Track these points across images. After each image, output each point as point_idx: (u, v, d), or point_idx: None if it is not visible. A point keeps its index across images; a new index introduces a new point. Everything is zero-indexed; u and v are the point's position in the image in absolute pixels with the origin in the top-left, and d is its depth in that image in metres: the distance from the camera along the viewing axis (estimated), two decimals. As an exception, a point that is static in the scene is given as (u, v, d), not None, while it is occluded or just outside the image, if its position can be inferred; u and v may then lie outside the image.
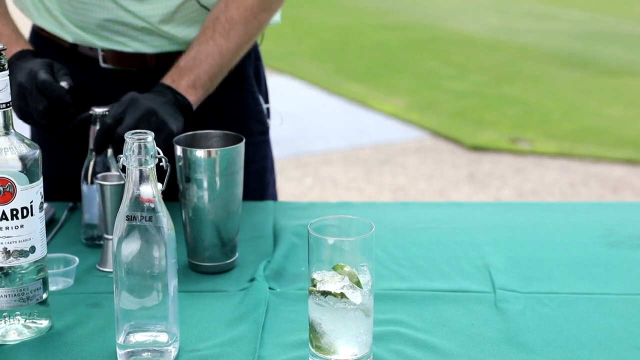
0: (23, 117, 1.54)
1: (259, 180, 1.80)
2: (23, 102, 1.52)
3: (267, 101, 1.84)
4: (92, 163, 1.50)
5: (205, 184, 1.39)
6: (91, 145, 1.51)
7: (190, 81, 1.56)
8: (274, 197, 1.86)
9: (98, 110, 1.50)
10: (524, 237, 1.58)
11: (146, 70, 1.66)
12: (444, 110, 6.00)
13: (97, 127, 1.49)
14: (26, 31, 1.80)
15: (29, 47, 1.64)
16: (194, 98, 1.56)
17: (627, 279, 1.41)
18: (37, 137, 1.75)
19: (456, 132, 5.53)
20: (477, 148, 5.26)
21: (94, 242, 1.51)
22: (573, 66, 7.22)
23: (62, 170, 1.66)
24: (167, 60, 1.65)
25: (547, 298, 1.34)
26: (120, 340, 1.14)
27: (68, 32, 1.66)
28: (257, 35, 1.65)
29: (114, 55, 1.66)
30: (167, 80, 1.56)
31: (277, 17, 1.78)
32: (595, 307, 1.31)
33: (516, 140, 5.40)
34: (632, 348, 1.20)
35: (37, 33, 1.75)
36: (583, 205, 1.87)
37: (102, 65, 1.67)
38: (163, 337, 1.14)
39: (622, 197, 4.55)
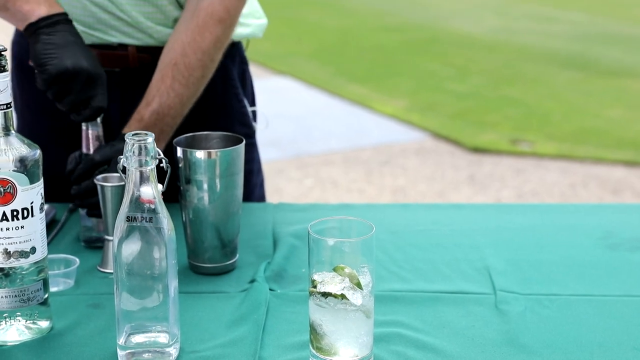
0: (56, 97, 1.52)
1: (245, 183, 1.80)
2: (61, 85, 1.50)
3: (253, 104, 1.83)
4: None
5: (205, 185, 1.39)
6: (83, 148, 1.52)
7: (155, 136, 1.55)
8: (261, 199, 1.86)
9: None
10: (524, 238, 1.58)
11: (129, 71, 1.67)
12: (445, 111, 6.00)
13: (89, 130, 1.52)
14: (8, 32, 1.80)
15: (60, 8, 1.56)
16: (159, 147, 1.55)
17: (627, 281, 1.41)
18: (38, 137, 1.75)
19: (456, 133, 5.53)
20: (477, 149, 5.26)
21: (93, 244, 1.51)
22: (573, 67, 7.22)
23: (62, 170, 1.66)
24: (149, 60, 1.65)
25: (547, 300, 1.34)
26: (121, 341, 1.14)
27: None
28: (212, 73, 1.63)
29: (97, 54, 1.65)
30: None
31: (258, 32, 1.78)
32: (595, 309, 1.32)
33: (516, 141, 5.40)
34: (632, 349, 1.20)
35: (22, 34, 1.73)
36: (583, 207, 1.87)
37: None
38: (164, 338, 1.14)
39: (622, 199, 4.55)
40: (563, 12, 9.67)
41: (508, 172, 4.92)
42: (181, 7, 1.65)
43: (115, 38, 1.65)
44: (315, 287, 1.13)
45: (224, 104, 1.76)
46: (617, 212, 1.76)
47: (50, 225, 1.57)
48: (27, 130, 1.74)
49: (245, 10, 1.70)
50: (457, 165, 5.01)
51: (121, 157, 1.14)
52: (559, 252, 1.52)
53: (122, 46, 1.66)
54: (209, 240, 1.41)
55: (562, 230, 1.62)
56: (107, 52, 1.66)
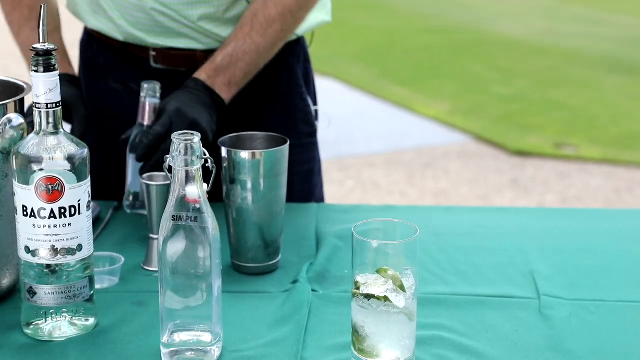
0: None
1: (306, 182, 1.81)
2: None
3: (315, 103, 1.84)
4: (139, 135, 1.53)
5: (249, 186, 1.39)
6: (139, 119, 1.55)
7: (226, 79, 1.57)
8: (321, 199, 1.86)
9: (148, 85, 1.54)
10: (569, 243, 1.56)
11: (195, 70, 1.68)
12: (488, 114, 5.96)
13: (146, 101, 1.54)
14: (77, 31, 1.83)
15: (68, 70, 1.66)
16: (227, 96, 1.58)
17: (675, 288, 1.39)
18: (90, 135, 1.77)
19: (500, 136, 5.49)
20: (520, 153, 5.22)
21: (136, 209, 1.53)
22: (620, 71, 7.13)
23: (109, 170, 1.68)
24: None
25: (593, 305, 1.33)
26: (165, 339, 1.15)
27: (119, 31, 1.68)
28: (292, 32, 1.65)
29: (164, 55, 1.68)
30: (202, 75, 1.57)
31: (327, 17, 1.78)
32: (642, 316, 1.30)
33: (560, 145, 5.35)
34: (680, 358, 1.18)
35: (89, 34, 1.78)
36: (629, 212, 1.85)
37: (153, 65, 1.69)
38: (207, 337, 1.15)
39: (668, 205, 4.48)
40: (610, 15, 9.54)
41: (552, 176, 4.87)
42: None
43: (182, 44, 1.67)
44: (358, 288, 1.13)
45: (288, 102, 1.76)
46: (664, 218, 1.74)
47: (96, 222, 1.58)
48: (90, 131, 1.77)
49: None
50: (500, 169, 4.97)
51: (167, 156, 1.15)
52: (605, 257, 1.50)
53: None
54: (252, 240, 1.41)
55: (608, 235, 1.60)
56: (174, 53, 1.67)
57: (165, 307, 1.14)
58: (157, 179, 1.42)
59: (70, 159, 1.18)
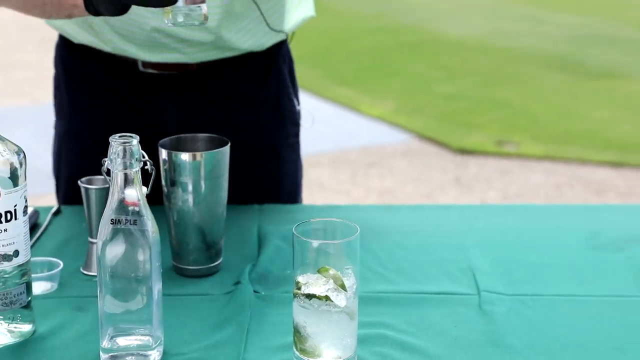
0: None
1: (294, 182, 1.81)
2: None
3: (298, 102, 1.84)
4: None
5: (190, 188, 1.39)
6: None
7: None
8: (301, 198, 1.86)
9: None
10: (509, 239, 1.58)
11: (187, 74, 1.66)
12: (432, 113, 6.01)
13: None
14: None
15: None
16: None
17: (611, 281, 1.42)
18: (84, 141, 1.72)
19: (443, 135, 5.54)
20: (463, 151, 5.27)
21: None
22: (562, 69, 7.25)
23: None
24: (210, 63, 1.64)
25: (532, 300, 1.35)
26: (104, 344, 1.14)
27: (107, 45, 1.63)
28: None
29: (153, 64, 1.64)
30: None
31: (311, 12, 1.76)
32: (578, 309, 1.32)
33: (503, 143, 5.42)
34: (615, 350, 1.21)
35: (63, 37, 1.71)
36: (568, 207, 1.89)
37: (141, 69, 1.65)
38: (147, 341, 1.14)
39: (606, 200, 4.57)
40: (552, 14, 9.70)
41: (494, 174, 4.93)
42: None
43: (175, 59, 1.63)
44: (299, 288, 1.13)
45: (277, 104, 1.76)
46: (601, 213, 1.77)
47: (34, 228, 1.56)
48: (74, 135, 1.73)
49: None
50: (444, 167, 5.02)
51: (105, 159, 1.14)
52: (544, 252, 1.53)
53: None
54: (194, 242, 1.41)
55: (547, 231, 1.63)
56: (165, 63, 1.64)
57: (105, 312, 1.13)
58: (95, 183, 1.40)
59: (6, 164, 1.17)
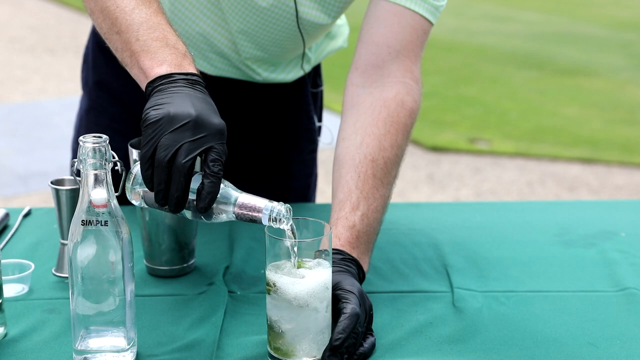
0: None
1: (301, 198, 1.81)
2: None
3: (320, 119, 1.83)
4: None
5: (162, 188, 1.37)
6: None
7: (368, 250, 1.33)
8: None
9: None
10: (481, 236, 1.59)
11: (205, 79, 1.64)
12: (403, 111, 6.02)
13: None
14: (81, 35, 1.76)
15: (193, 67, 1.24)
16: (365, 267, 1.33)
17: (582, 277, 1.43)
18: (101, 117, 1.71)
19: (415, 133, 5.53)
20: (435, 148, 5.29)
21: None
22: (529, 67, 7.30)
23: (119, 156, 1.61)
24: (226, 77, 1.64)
25: (504, 296, 1.35)
26: (77, 346, 1.13)
27: None
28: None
29: None
30: (346, 246, 1.28)
31: (344, 44, 1.79)
32: (550, 305, 1.33)
33: (474, 140, 5.45)
34: (587, 344, 1.21)
35: (97, 38, 1.70)
36: (539, 204, 1.90)
37: None
38: (120, 342, 1.13)
39: (578, 196, 4.61)
40: (519, 12, 9.77)
41: (466, 171, 4.95)
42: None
43: (214, 72, 1.62)
44: (270, 285, 1.13)
45: (294, 120, 1.76)
46: (572, 209, 1.79)
47: (3, 230, 1.55)
48: (94, 111, 1.72)
49: (340, 20, 1.70)
50: (416, 165, 5.03)
51: (75, 160, 1.12)
52: (516, 249, 1.54)
53: None
54: (166, 243, 1.40)
55: (519, 227, 1.64)
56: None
57: (77, 313, 1.12)
58: (65, 184, 1.39)
59: (-27, 165, 1.15)
